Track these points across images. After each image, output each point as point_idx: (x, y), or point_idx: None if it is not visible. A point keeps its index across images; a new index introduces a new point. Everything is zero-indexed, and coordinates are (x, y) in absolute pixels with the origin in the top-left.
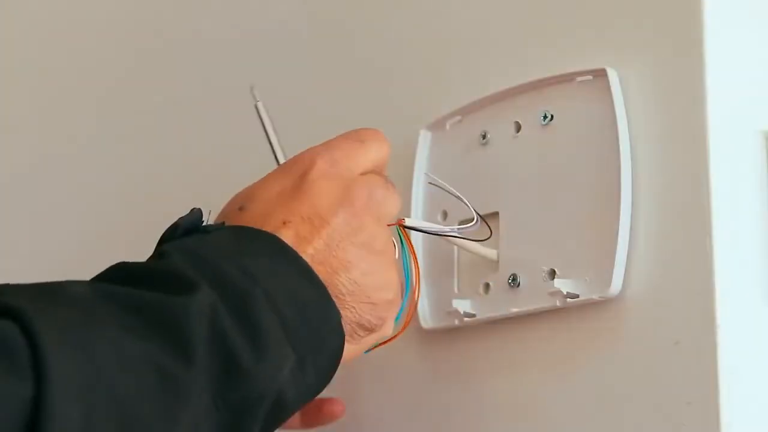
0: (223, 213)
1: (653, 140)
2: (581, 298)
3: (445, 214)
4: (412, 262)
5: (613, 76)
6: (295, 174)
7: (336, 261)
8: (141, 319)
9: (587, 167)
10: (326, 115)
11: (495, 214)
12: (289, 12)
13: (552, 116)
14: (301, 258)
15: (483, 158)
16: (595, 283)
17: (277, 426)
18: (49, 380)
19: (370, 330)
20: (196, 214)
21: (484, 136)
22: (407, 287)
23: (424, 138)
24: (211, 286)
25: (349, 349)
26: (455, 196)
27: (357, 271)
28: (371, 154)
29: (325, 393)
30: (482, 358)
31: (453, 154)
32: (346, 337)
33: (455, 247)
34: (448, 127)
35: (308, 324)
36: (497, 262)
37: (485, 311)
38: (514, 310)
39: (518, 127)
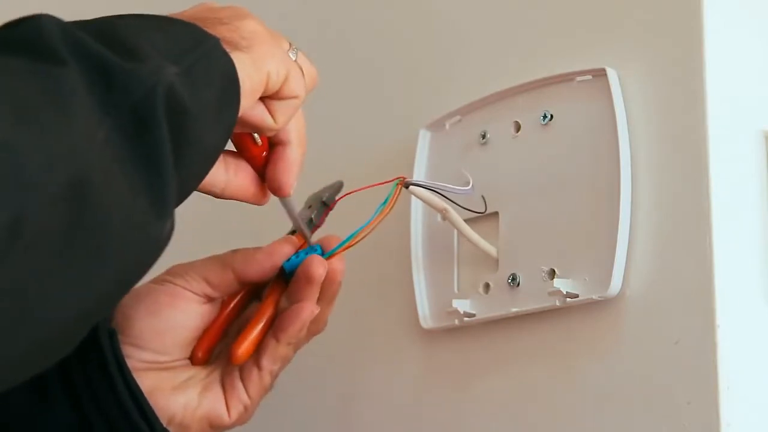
0: None
1: (653, 140)
2: (581, 298)
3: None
4: (382, 214)
5: (613, 76)
6: None
7: (189, 17)
8: None
9: (587, 167)
10: (326, 114)
11: (495, 214)
12: (289, 11)
13: (552, 116)
14: (157, 16)
15: (483, 158)
16: (594, 283)
17: (194, 150)
18: None
19: (233, 45)
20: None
21: (483, 136)
22: (364, 224)
23: (424, 138)
24: (57, 23)
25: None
26: (440, 191)
27: (209, 15)
28: None
29: (326, 393)
30: (482, 358)
31: (453, 154)
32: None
33: (455, 247)
34: (447, 126)
35: (180, 42)
36: (497, 261)
37: (485, 311)
38: (514, 309)
39: (518, 127)
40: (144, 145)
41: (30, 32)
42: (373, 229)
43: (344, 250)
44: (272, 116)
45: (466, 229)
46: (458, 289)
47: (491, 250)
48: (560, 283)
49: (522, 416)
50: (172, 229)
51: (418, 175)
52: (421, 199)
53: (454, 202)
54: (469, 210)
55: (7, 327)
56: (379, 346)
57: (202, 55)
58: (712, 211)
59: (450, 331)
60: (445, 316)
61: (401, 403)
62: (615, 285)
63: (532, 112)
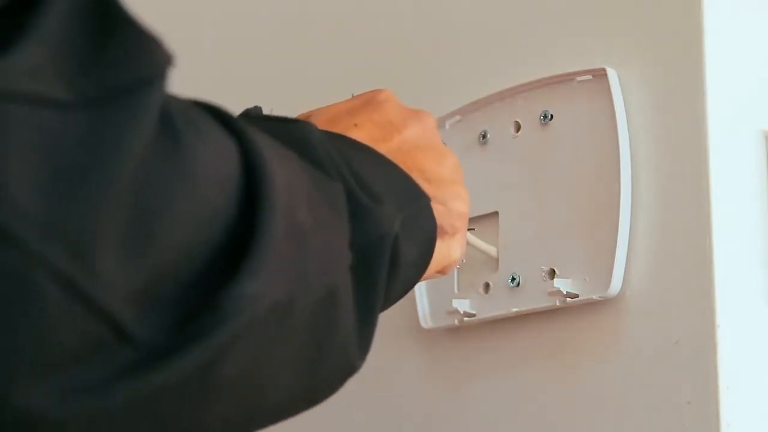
0: None
1: (653, 140)
2: (581, 298)
3: None
4: None
5: (613, 76)
6: (363, 97)
7: (410, 163)
8: (278, 138)
9: (587, 167)
10: None
11: (495, 214)
12: (287, 11)
13: (552, 116)
14: (377, 151)
15: (483, 158)
16: (594, 282)
17: (391, 290)
18: (253, 141)
19: (443, 233)
20: (258, 108)
21: (483, 136)
22: None
23: None
24: (320, 134)
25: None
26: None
27: (431, 175)
28: None
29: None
30: (482, 358)
31: None
32: None
33: None
34: (447, 126)
35: (400, 191)
36: (497, 261)
37: (485, 311)
38: (514, 309)
39: (518, 127)
40: (364, 286)
41: (300, 133)
42: None
43: None
44: None
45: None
46: (458, 289)
47: (491, 251)
48: (560, 283)
49: (522, 416)
50: (356, 371)
51: None
52: None
53: None
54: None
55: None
56: (379, 346)
57: (416, 212)
58: (712, 211)
59: (450, 331)
60: (445, 316)
61: (401, 403)
62: (615, 285)
63: (532, 112)
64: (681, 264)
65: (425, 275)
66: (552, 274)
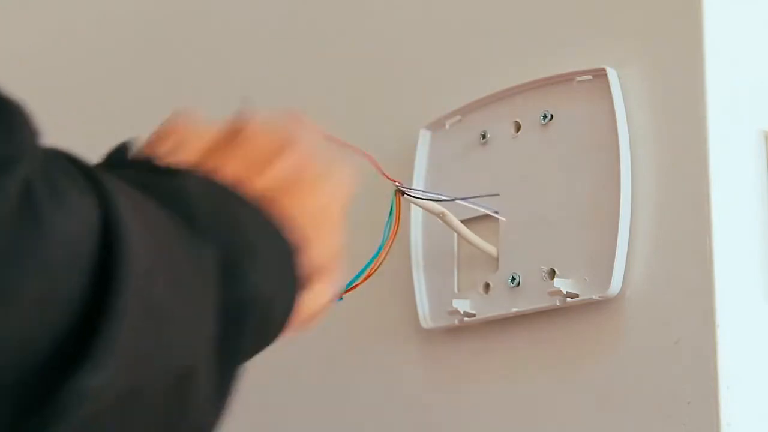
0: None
1: (653, 140)
2: (581, 297)
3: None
4: (393, 229)
5: (613, 76)
6: (231, 127)
7: (281, 201)
8: (149, 191)
9: (587, 167)
10: (326, 114)
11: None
12: (288, 11)
13: (552, 116)
14: (247, 198)
15: (483, 158)
16: (594, 282)
17: (255, 348)
18: (115, 208)
19: (314, 279)
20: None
21: (483, 136)
22: (379, 248)
23: (424, 138)
24: (203, 188)
25: None
26: (435, 199)
27: (304, 212)
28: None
29: (325, 393)
30: (482, 358)
31: (453, 154)
32: None
33: (455, 247)
34: (448, 126)
35: (271, 251)
36: (497, 261)
37: (485, 311)
38: (514, 309)
39: (518, 127)
40: (228, 351)
41: (173, 186)
42: (388, 251)
43: (364, 281)
44: None
45: (465, 231)
46: (458, 289)
47: (491, 250)
48: (560, 283)
49: (522, 416)
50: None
51: (418, 174)
52: (417, 204)
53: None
54: (477, 207)
55: None
56: (379, 346)
57: (285, 267)
58: (712, 211)
59: (450, 331)
60: (445, 316)
61: (401, 403)
62: (615, 285)
63: (532, 112)
64: (681, 264)
65: (295, 325)
66: (552, 274)
